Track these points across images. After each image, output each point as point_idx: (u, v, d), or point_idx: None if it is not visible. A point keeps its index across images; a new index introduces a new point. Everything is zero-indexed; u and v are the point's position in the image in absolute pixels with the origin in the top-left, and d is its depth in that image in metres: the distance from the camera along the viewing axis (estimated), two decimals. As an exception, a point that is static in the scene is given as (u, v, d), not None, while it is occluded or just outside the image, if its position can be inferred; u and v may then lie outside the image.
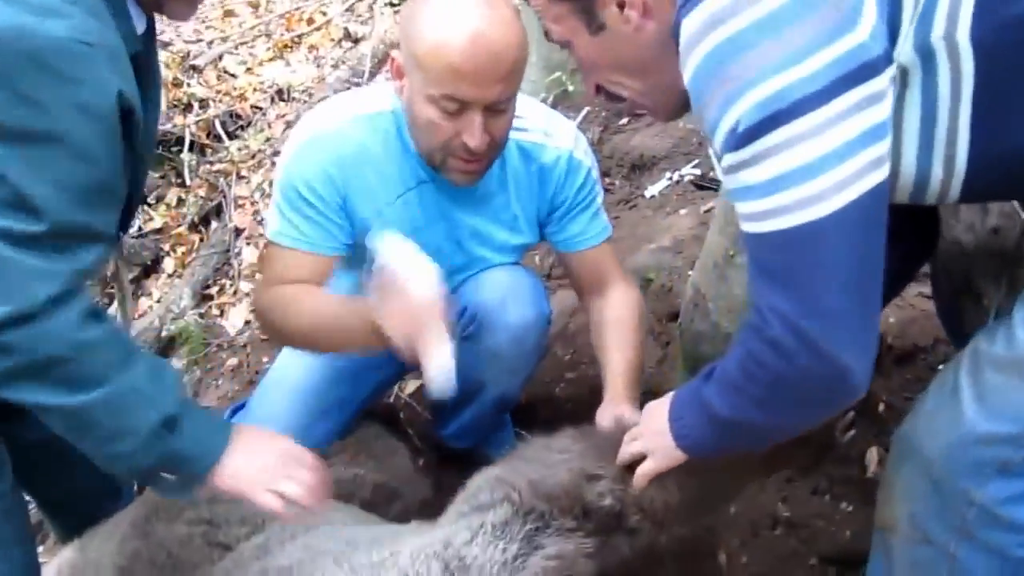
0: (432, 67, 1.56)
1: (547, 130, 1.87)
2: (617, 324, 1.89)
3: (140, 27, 1.43)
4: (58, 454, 1.71)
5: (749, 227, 1.13)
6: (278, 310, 1.74)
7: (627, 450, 1.45)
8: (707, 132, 1.14)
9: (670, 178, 3.19)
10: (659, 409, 1.43)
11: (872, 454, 2.10)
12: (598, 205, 1.96)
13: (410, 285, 1.46)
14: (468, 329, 1.93)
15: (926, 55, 1.11)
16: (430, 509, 1.49)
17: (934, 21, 1.09)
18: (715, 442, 1.31)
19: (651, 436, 1.42)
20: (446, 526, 1.33)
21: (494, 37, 1.56)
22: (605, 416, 1.69)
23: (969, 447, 1.25)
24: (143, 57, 1.45)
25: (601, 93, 1.40)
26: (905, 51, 1.10)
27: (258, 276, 3.42)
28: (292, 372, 2.08)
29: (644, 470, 1.42)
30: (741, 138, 1.07)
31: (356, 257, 1.86)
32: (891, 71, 1.08)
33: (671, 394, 1.43)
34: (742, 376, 1.19)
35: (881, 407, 2.20)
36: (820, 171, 1.05)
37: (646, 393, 2.33)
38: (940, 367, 2.28)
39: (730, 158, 1.10)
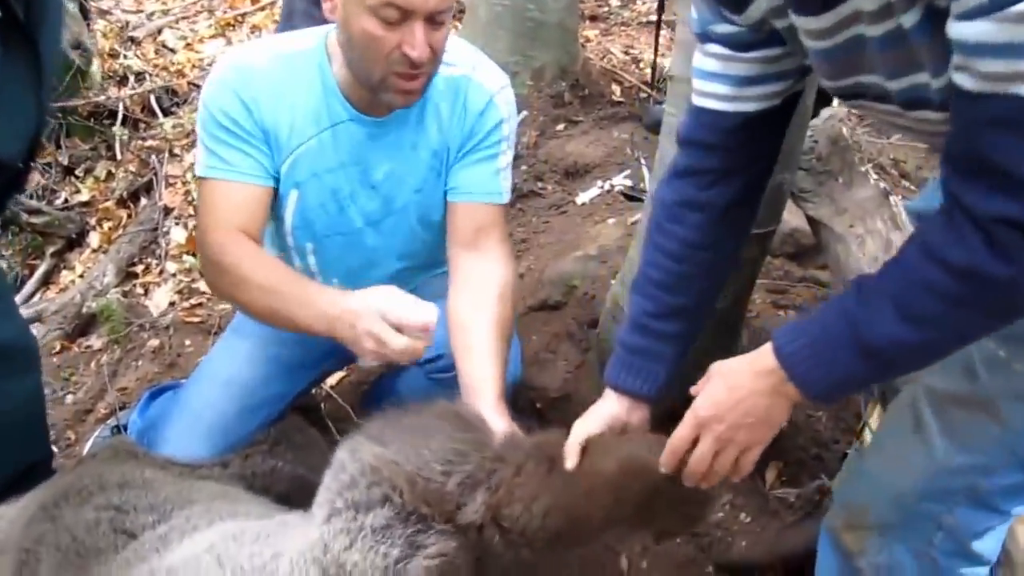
0: None
1: (475, 65, 1.84)
2: (493, 314, 1.76)
3: None
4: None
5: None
6: (243, 261, 1.69)
7: (705, 448, 1.27)
8: None
9: (601, 187, 3.25)
10: (733, 375, 1.25)
11: (772, 468, 2.19)
12: (501, 165, 1.88)
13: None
14: (444, 374, 1.91)
15: None
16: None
17: None
18: (861, 373, 1.15)
19: (732, 414, 1.24)
20: (322, 524, 1.32)
21: None
22: None
23: (941, 477, 1.31)
24: None
25: None
26: None
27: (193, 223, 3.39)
28: (228, 365, 2.06)
29: (750, 459, 1.28)
30: None
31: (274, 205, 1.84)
32: None
33: (755, 355, 1.23)
34: (926, 293, 1.06)
35: (784, 423, 2.28)
36: None
37: (561, 399, 2.41)
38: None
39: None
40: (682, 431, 1.29)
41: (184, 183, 3.81)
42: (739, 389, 1.23)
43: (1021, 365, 1.23)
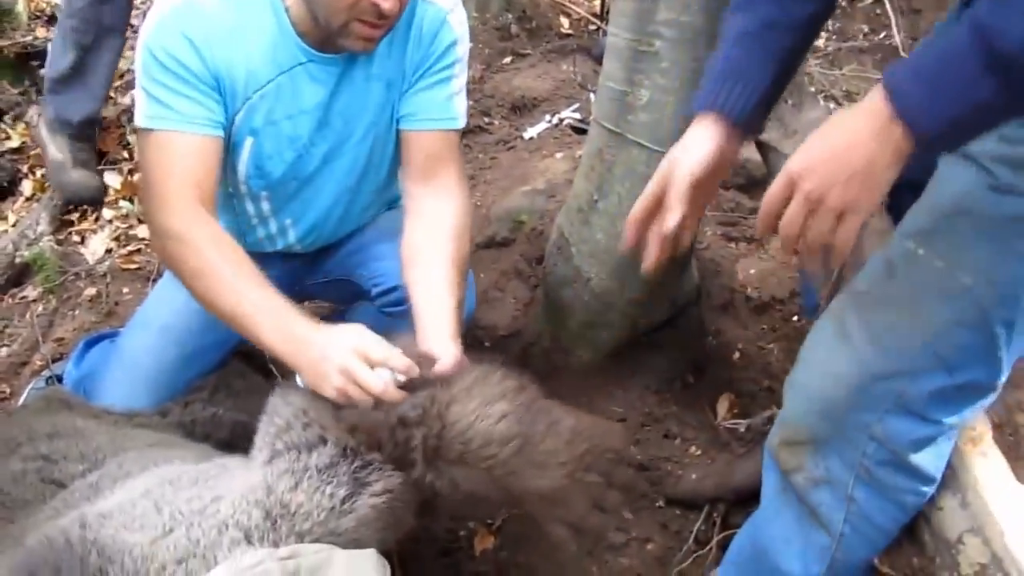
0: None
1: None
2: (449, 245, 1.68)
3: None
4: None
5: None
6: (203, 248, 1.54)
7: (795, 208, 1.08)
8: None
9: (549, 121, 3.18)
10: (836, 121, 1.08)
11: (723, 400, 2.17)
12: (455, 89, 1.81)
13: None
14: (397, 307, 1.84)
15: None
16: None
17: None
18: (986, 97, 0.95)
19: (826, 165, 1.05)
20: (264, 466, 1.29)
21: None
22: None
23: (868, 384, 1.30)
24: None
25: None
26: None
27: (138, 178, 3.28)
28: (165, 312, 1.98)
29: (849, 228, 1.07)
30: None
31: (226, 163, 1.75)
32: None
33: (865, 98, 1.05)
34: None
35: (736, 355, 2.27)
36: None
37: (510, 336, 2.37)
38: (795, 318, 2.37)
39: None
40: (774, 188, 1.11)
41: (119, 127, 3.66)
42: (838, 136, 1.04)
43: (941, 261, 1.22)
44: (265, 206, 1.91)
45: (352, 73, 1.74)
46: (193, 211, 1.58)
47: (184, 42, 1.61)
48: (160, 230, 1.61)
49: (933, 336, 1.24)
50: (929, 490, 1.40)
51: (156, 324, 1.97)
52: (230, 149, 1.76)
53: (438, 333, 1.52)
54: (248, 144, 1.75)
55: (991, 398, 1.35)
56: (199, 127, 1.63)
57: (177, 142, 1.62)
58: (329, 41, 1.66)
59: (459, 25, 1.78)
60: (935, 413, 1.30)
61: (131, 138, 3.53)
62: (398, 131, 1.83)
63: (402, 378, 1.38)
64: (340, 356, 1.37)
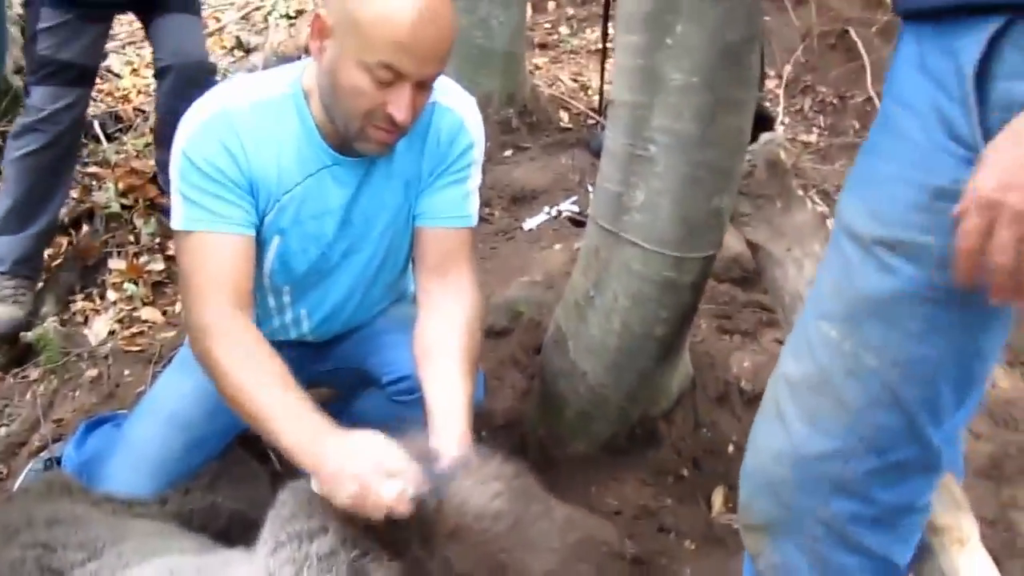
0: (375, 33, 1.52)
1: (441, 89, 1.79)
2: (462, 340, 1.71)
3: None
4: None
5: None
6: (231, 353, 1.59)
7: (1004, 235, 0.90)
8: None
9: (548, 212, 3.25)
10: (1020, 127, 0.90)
11: (718, 494, 2.18)
12: (470, 189, 1.87)
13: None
14: (408, 396, 1.87)
15: None
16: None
17: None
18: None
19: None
20: (267, 556, 1.30)
21: (441, 14, 1.55)
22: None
23: (806, 467, 1.30)
24: None
25: None
26: None
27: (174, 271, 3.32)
28: (170, 400, 2.01)
29: None
30: None
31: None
32: None
33: None
34: None
35: (730, 448, 2.29)
36: None
37: (506, 426, 2.39)
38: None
39: None
40: (968, 223, 0.93)
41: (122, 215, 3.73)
42: None
43: (848, 343, 1.23)
44: (285, 299, 1.96)
45: (373, 173, 1.80)
46: (228, 309, 1.64)
47: (221, 150, 1.67)
48: (195, 326, 1.66)
49: (853, 419, 1.24)
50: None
51: (163, 412, 1.99)
52: (258, 246, 1.80)
53: (450, 428, 1.55)
54: (275, 242, 1.81)
55: (937, 478, 1.32)
56: (235, 227, 1.69)
57: (214, 241, 1.68)
58: (349, 144, 1.72)
59: (475, 127, 1.85)
60: (877, 493, 1.29)
61: (138, 222, 3.59)
62: (414, 227, 1.89)
63: (413, 491, 1.38)
64: (357, 466, 1.37)
